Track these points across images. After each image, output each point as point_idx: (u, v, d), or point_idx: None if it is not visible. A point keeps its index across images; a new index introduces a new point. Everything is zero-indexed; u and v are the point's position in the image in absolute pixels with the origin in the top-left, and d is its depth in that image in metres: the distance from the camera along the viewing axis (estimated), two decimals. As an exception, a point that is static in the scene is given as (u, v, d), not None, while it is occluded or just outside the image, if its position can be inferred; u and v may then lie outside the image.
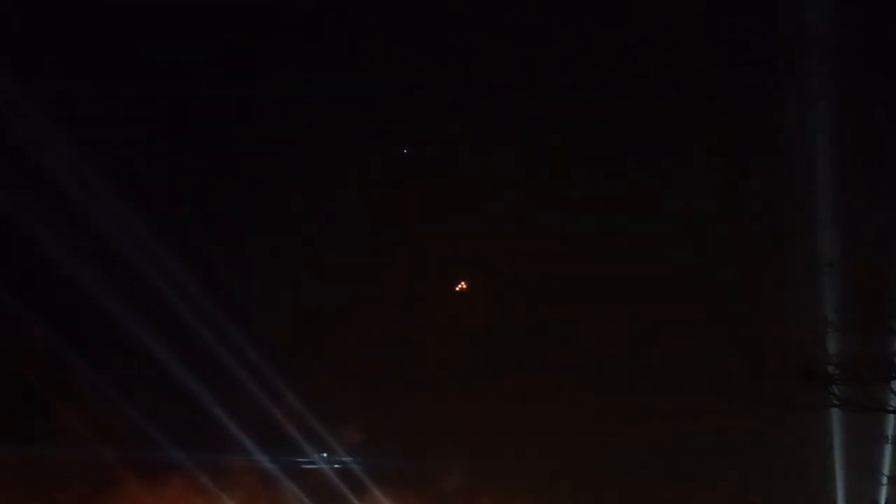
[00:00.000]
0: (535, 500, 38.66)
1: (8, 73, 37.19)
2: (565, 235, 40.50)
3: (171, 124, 41.46)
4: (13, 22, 37.99)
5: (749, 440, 37.46)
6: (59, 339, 37.69)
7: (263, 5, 40.66)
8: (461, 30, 40.14)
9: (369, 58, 40.90)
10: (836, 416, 32.68)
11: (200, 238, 39.46)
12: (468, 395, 39.39)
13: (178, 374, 37.53)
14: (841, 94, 36.01)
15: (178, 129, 41.12)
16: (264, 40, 40.82)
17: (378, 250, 41.12)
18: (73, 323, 38.26)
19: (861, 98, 36.48)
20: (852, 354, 25.77)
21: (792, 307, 33.08)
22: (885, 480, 28.62)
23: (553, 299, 40.68)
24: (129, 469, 37.15)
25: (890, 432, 28.81)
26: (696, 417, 37.93)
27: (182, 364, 37.60)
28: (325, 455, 39.99)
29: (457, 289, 42.50)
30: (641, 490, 39.30)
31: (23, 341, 38.14)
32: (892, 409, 26.35)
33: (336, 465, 40.14)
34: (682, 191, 39.24)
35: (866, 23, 36.70)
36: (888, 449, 30.17)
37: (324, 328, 40.80)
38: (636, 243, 39.91)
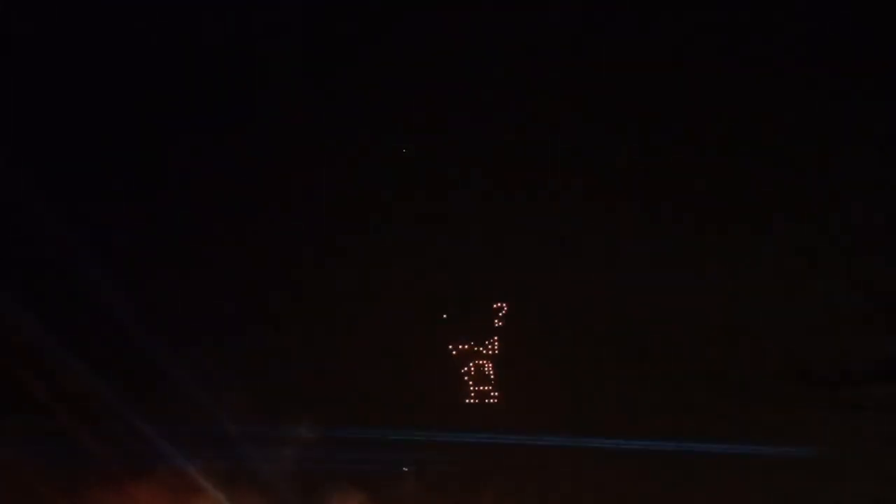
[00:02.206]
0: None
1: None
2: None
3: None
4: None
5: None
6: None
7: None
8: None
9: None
10: (836, 416, 32.74)
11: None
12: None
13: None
14: (839, 88, 36.06)
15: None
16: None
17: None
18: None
19: (860, 94, 36.50)
20: (853, 354, 25.87)
21: (791, 307, 33.16)
22: (885, 481, 28.73)
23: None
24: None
25: (890, 432, 28.91)
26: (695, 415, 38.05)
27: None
28: None
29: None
30: (638, 485, 39.48)
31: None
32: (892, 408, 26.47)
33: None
34: (681, 189, 39.24)
35: (867, 21, 36.73)
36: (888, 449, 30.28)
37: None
38: (634, 242, 39.96)
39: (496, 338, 41.14)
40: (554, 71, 40.07)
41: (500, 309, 41.24)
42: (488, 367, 41.60)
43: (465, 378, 41.52)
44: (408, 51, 40.29)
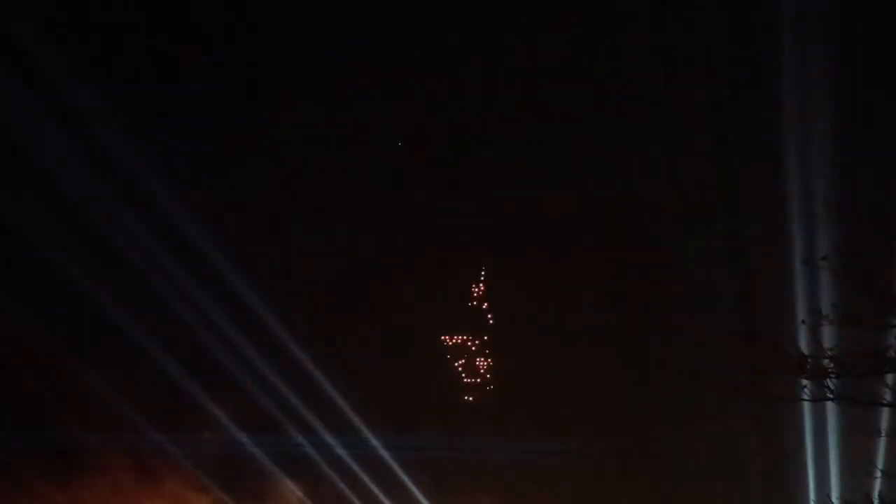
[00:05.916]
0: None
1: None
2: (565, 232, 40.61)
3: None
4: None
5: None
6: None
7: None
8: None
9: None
10: (830, 409, 32.70)
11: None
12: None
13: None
14: (837, 87, 36.08)
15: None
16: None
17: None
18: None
19: (858, 92, 36.53)
20: (846, 348, 25.82)
21: (785, 301, 33.18)
22: (878, 474, 28.65)
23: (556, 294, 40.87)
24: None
25: (883, 426, 28.86)
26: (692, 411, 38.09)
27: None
28: None
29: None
30: (638, 484, 39.50)
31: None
32: (885, 402, 26.38)
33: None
34: (678, 186, 39.31)
35: (864, 20, 36.78)
36: (881, 442, 30.22)
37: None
38: (631, 238, 40.02)
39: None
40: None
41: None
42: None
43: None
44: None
